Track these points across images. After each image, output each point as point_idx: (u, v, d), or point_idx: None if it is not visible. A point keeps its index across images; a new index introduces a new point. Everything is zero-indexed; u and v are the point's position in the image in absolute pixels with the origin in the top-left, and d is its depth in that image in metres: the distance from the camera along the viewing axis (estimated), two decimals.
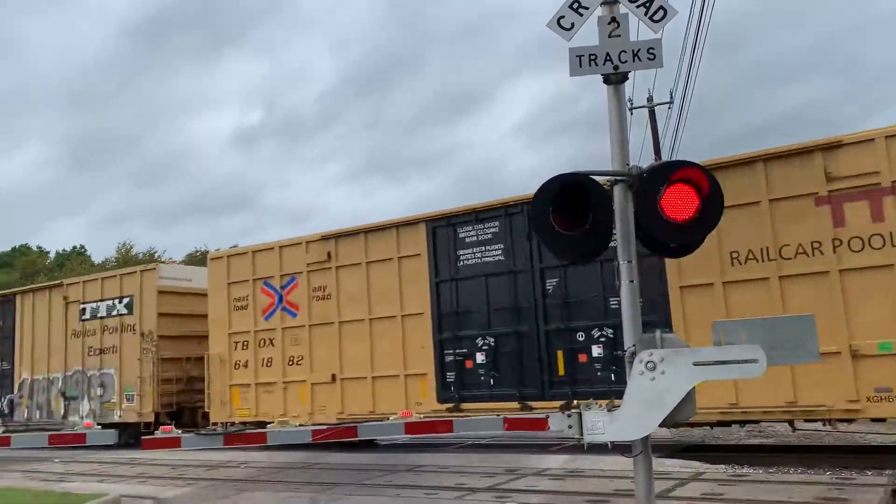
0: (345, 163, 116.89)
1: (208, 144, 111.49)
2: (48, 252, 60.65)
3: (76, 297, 20.50)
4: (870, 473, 10.17)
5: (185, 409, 18.96)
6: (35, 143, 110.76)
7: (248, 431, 6.16)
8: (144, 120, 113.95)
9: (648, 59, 5.65)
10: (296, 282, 16.52)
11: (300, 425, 7.28)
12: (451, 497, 9.63)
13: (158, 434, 6.28)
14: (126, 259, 48.33)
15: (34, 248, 61.11)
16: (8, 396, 21.82)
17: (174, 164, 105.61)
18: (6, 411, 21.73)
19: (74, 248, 61.04)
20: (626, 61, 5.67)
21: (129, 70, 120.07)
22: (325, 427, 5.92)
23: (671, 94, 26.31)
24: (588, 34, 5.78)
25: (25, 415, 21.22)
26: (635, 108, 26.89)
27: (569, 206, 5.53)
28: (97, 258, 55.67)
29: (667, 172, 5.22)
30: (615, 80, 5.77)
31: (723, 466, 11.21)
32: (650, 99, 26.58)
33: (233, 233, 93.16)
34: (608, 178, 5.74)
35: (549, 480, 10.63)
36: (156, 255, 48.77)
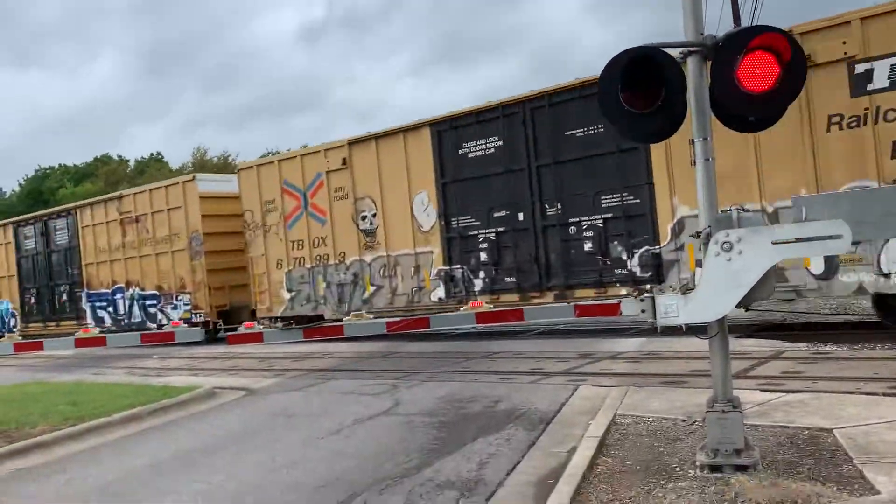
0: (410, 54, 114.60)
1: (274, 44, 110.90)
2: (128, 160, 62.67)
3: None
4: None
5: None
6: (108, 54, 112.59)
7: (325, 325, 6.35)
8: (209, 24, 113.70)
9: None
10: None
11: (375, 318, 7.56)
12: (525, 381, 9.85)
13: (242, 330, 6.56)
14: (202, 163, 49.54)
15: (115, 158, 63.20)
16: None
17: (242, 67, 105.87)
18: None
19: (152, 155, 62.81)
20: None
21: None
22: (398, 319, 6.05)
23: None
24: None
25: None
26: None
27: (639, 83, 5.23)
28: (174, 164, 57.25)
29: (744, 39, 4.83)
30: None
31: (804, 344, 11.03)
32: None
33: (303, 132, 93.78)
34: (681, 49, 5.39)
35: (625, 363, 10.71)
36: (229, 159, 49.80)
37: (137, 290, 21.51)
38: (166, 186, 20.98)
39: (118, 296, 22.07)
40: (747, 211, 5.18)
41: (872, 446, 5.54)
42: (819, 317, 14.74)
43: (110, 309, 22.23)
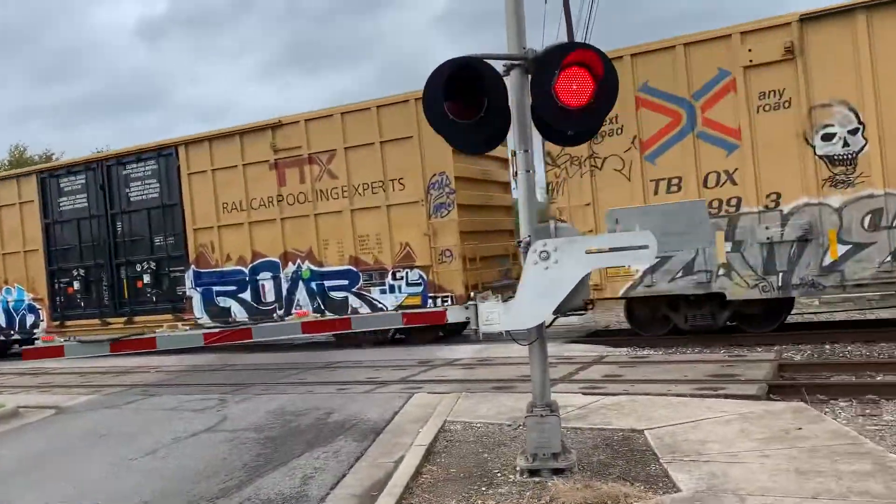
0: (260, 56, 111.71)
1: (112, 37, 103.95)
2: None
3: None
4: (760, 350, 10.79)
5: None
6: None
7: (135, 338, 5.89)
8: (39, 13, 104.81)
9: None
10: None
11: (188, 329, 7.08)
12: (362, 390, 9.71)
13: (39, 343, 5.95)
14: (20, 161, 45.38)
15: None
16: None
17: (75, 60, 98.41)
18: None
19: None
20: None
21: None
22: (217, 330, 5.73)
23: None
24: None
25: None
26: None
27: (463, 93, 5.28)
28: None
29: (560, 55, 5.00)
30: None
31: (625, 349, 11.69)
32: None
33: (143, 132, 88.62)
34: (504, 62, 5.49)
35: (460, 370, 10.85)
36: (53, 157, 46.01)
37: (308, 264, 15.29)
38: (379, 107, 14.52)
39: (264, 275, 15.69)
40: (564, 222, 5.34)
41: (678, 445, 5.89)
42: None
43: (245, 294, 15.96)
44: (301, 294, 15.28)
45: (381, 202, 14.62)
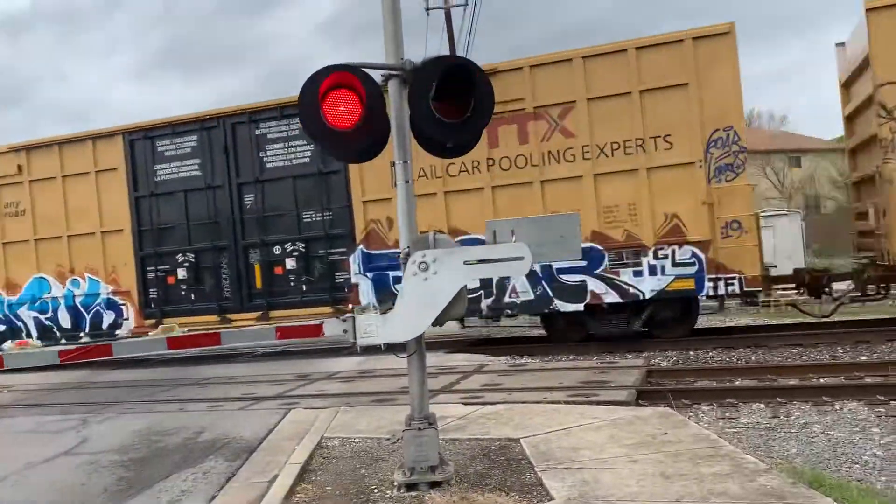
0: (134, 55, 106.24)
1: None
2: None
3: None
4: (630, 356, 11.25)
5: None
6: None
7: None
8: None
9: None
10: None
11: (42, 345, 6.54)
12: (236, 407, 9.33)
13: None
14: None
15: None
16: None
17: None
18: None
19: None
20: None
21: None
22: (74, 347, 5.33)
23: None
24: None
25: None
26: (431, 8, 26.55)
27: (340, 101, 5.18)
28: None
29: (437, 67, 5.01)
30: None
31: (505, 358, 11.88)
32: (446, 0, 26.30)
33: (2, 131, 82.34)
34: (383, 72, 5.44)
35: (340, 383, 10.66)
36: None
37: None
38: (638, 48, 12.17)
39: None
40: (443, 233, 5.34)
41: (551, 453, 6.00)
42: (519, 331, 16.07)
43: None
44: (519, 279, 12.64)
45: (637, 164, 12.21)
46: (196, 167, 14.51)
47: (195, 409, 9.42)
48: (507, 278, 12.49)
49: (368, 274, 13.54)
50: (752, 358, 10.98)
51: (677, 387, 8.97)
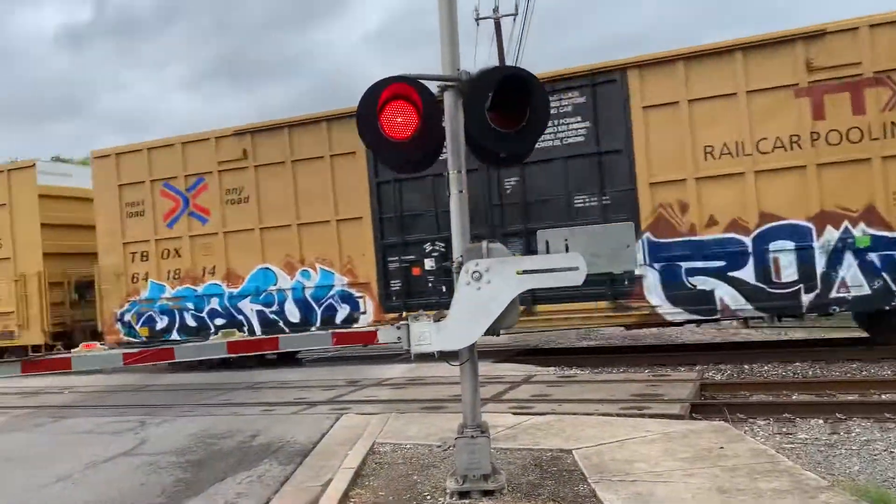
0: (188, 67, 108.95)
1: (30, 44, 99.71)
2: None
3: None
4: (683, 370, 11.08)
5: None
6: None
7: (48, 357, 5.60)
8: None
9: None
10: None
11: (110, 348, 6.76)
12: (289, 412, 9.49)
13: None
14: None
15: None
16: None
17: None
18: None
19: None
20: None
21: None
22: (137, 350, 5.50)
23: (516, 6, 26.21)
24: None
25: None
26: (481, 18, 26.69)
27: (398, 112, 5.26)
28: None
29: (493, 77, 5.05)
30: None
31: (553, 369, 11.81)
32: (496, 9, 26.42)
33: (61, 140, 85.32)
34: (439, 83, 5.50)
35: (389, 389, 10.74)
36: None
37: (864, 227, 11.18)
38: None
39: (780, 244, 11.48)
40: (496, 243, 5.37)
41: (604, 465, 5.95)
42: (567, 342, 15.95)
43: (742, 272, 11.67)
44: (849, 270, 11.07)
45: None
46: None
47: (249, 413, 9.60)
48: (835, 270, 11.20)
49: (655, 265, 12.05)
50: (810, 372, 10.70)
51: (732, 401, 8.80)
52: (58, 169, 18.99)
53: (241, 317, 14.69)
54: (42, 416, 10.45)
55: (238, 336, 5.83)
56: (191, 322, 15.18)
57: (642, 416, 7.79)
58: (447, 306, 5.13)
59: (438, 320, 5.25)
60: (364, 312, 13.93)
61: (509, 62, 25.60)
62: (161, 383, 13.44)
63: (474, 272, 5.05)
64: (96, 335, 15.89)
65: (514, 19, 26.73)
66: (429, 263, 13.33)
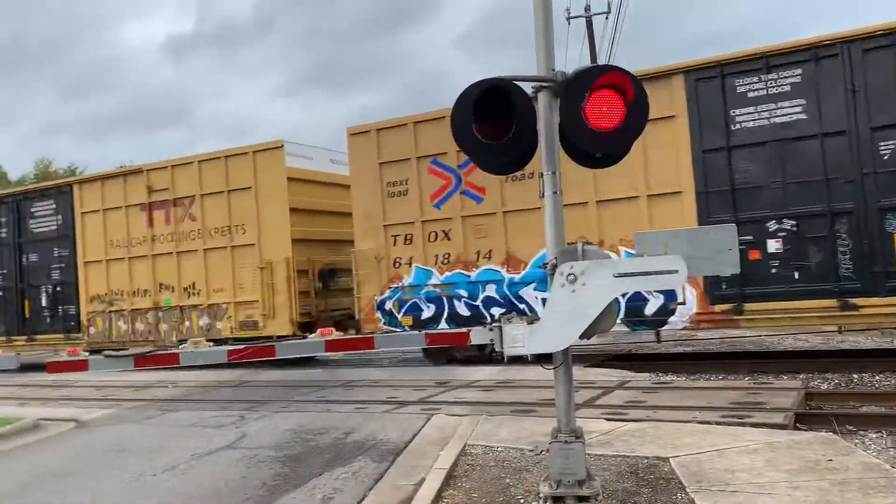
0: (284, 74, 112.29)
1: (139, 54, 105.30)
2: None
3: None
4: (785, 377, 10.62)
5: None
6: None
7: (158, 352, 5.88)
8: (71, 28, 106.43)
9: None
10: None
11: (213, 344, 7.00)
12: (380, 410, 9.64)
13: (63, 357, 5.97)
14: (45, 176, 46.08)
15: None
16: None
17: (103, 76, 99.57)
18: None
19: None
20: None
21: None
22: (241, 347, 5.70)
23: (608, 4, 25.79)
24: None
25: None
26: (573, 17, 26.40)
27: (492, 114, 5.26)
28: (15, 174, 52.89)
29: (591, 77, 4.97)
30: None
31: (647, 374, 11.54)
32: (587, 8, 26.06)
33: (167, 147, 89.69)
34: (533, 84, 5.47)
35: (478, 391, 10.75)
36: (77, 171, 46.66)
37: None
38: None
39: None
40: (591, 244, 5.28)
41: (704, 474, 5.77)
42: (661, 348, 15.54)
43: None
44: None
45: None
46: (800, 110, 11.33)
47: (343, 411, 9.82)
48: None
49: None
50: None
51: (840, 411, 8.36)
52: (299, 151, 17.39)
53: (522, 305, 13.11)
54: (151, 409, 11.01)
55: (334, 335, 5.95)
56: (463, 311, 13.72)
57: (743, 424, 7.51)
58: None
59: (531, 323, 5.21)
60: (683, 303, 12.03)
61: (601, 61, 25.21)
62: (259, 379, 13.91)
63: (569, 275, 4.97)
64: (338, 325, 15.29)
65: (607, 17, 26.15)
66: (773, 245, 11.30)
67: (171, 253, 17.04)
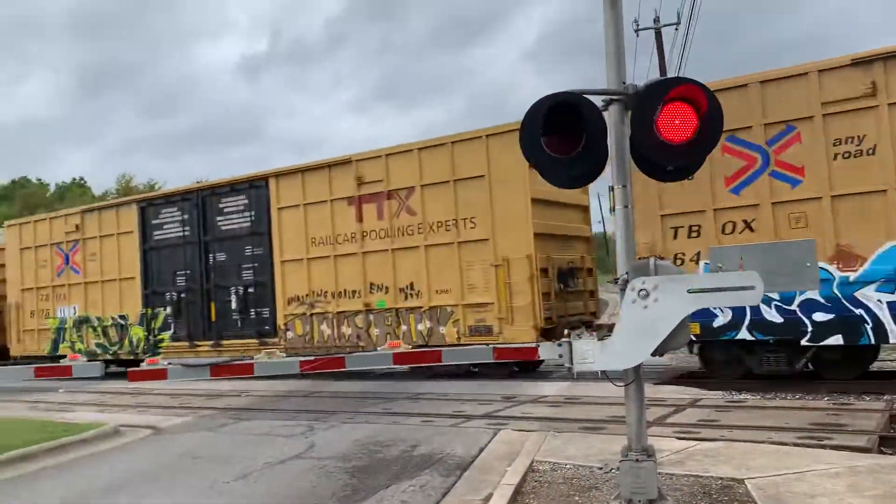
0: (352, 91, 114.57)
1: (215, 74, 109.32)
2: (48, 185, 60.34)
3: None
4: (868, 399, 10.15)
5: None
6: (41, 74, 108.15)
7: (235, 363, 6.06)
8: (152, 50, 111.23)
9: None
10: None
11: (286, 356, 7.17)
12: (446, 424, 9.65)
13: (145, 366, 6.21)
14: (126, 191, 48.08)
15: (34, 181, 60.77)
16: None
17: (181, 94, 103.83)
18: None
19: (74, 180, 60.70)
20: None
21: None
22: (312, 358, 5.81)
23: (678, 15, 25.40)
24: None
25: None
26: (641, 29, 26.08)
27: (561, 128, 5.24)
28: (98, 190, 55.39)
29: (663, 90, 4.90)
30: None
31: (720, 392, 11.21)
32: (657, 20, 25.70)
33: (239, 162, 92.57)
34: (603, 97, 5.43)
35: (546, 407, 10.65)
36: (156, 186, 48.53)
37: None
38: None
39: None
40: (664, 259, 5.19)
41: (782, 497, 5.57)
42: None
43: None
44: None
45: None
46: None
47: (409, 423, 9.87)
48: None
49: None
50: None
51: None
52: None
53: (858, 310, 10.78)
54: (224, 418, 11.31)
55: (403, 348, 6.02)
56: (773, 317, 11.35)
57: (822, 447, 7.22)
58: None
59: (602, 338, 5.15)
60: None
61: (671, 73, 24.81)
62: (328, 390, 14.11)
63: (641, 290, 4.90)
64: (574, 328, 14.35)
65: (676, 28, 25.73)
66: None
67: (385, 250, 15.48)
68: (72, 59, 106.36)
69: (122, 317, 19.46)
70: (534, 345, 5.73)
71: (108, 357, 19.32)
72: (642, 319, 4.91)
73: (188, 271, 18.35)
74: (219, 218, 17.81)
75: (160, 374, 6.09)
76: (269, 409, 12.14)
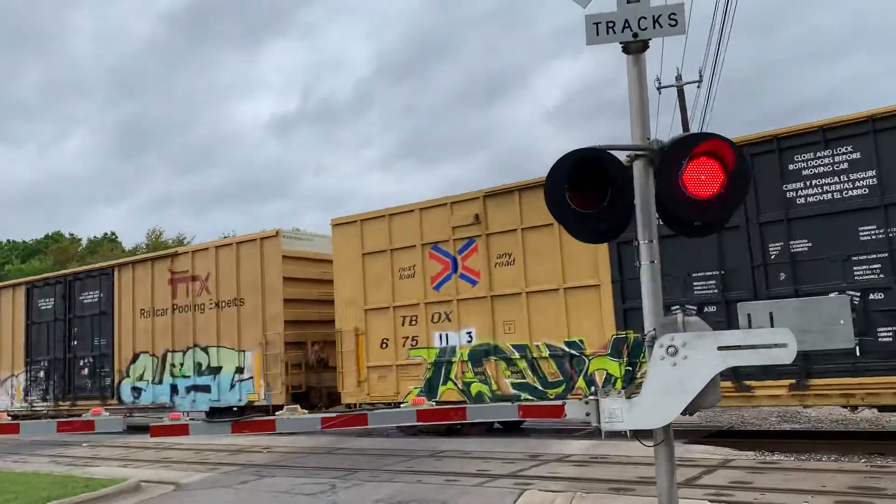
0: (379, 148, 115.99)
1: (247, 131, 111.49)
2: (80, 239, 61.42)
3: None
4: None
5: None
6: (81, 132, 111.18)
7: (256, 419, 6.00)
8: (187, 108, 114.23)
9: (670, 25, 5.31)
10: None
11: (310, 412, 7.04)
12: (471, 483, 9.45)
13: (166, 421, 6.17)
14: (156, 245, 48.79)
15: (66, 236, 61.93)
16: None
17: (213, 152, 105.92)
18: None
19: (105, 234, 61.76)
20: (646, 28, 5.33)
21: (172, 59, 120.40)
22: (334, 415, 5.74)
23: (700, 73, 25.62)
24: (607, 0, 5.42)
25: None
26: (664, 87, 26.30)
27: (586, 183, 5.24)
28: (128, 244, 56.28)
29: (689, 145, 4.90)
30: (635, 48, 5.43)
31: (752, 453, 10.90)
32: (679, 78, 25.93)
33: (268, 218, 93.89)
34: (628, 153, 5.44)
35: (572, 467, 10.40)
36: (184, 241, 49.19)
37: None
38: None
39: None
40: (693, 314, 5.10)
41: None
42: (766, 424, 14.69)
43: None
44: None
45: None
46: None
47: (433, 482, 9.67)
48: None
49: None
50: None
51: None
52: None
53: None
54: (246, 474, 11.17)
55: (426, 406, 5.91)
56: None
57: None
58: None
59: (630, 397, 5.04)
60: None
61: (694, 129, 24.92)
62: (349, 447, 13.94)
63: (669, 347, 4.81)
64: None
65: (699, 86, 25.92)
66: None
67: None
68: (110, 116, 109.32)
69: None
70: (560, 403, 5.60)
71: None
72: (671, 377, 4.80)
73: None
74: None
75: (181, 430, 6.04)
76: (291, 466, 11.99)
